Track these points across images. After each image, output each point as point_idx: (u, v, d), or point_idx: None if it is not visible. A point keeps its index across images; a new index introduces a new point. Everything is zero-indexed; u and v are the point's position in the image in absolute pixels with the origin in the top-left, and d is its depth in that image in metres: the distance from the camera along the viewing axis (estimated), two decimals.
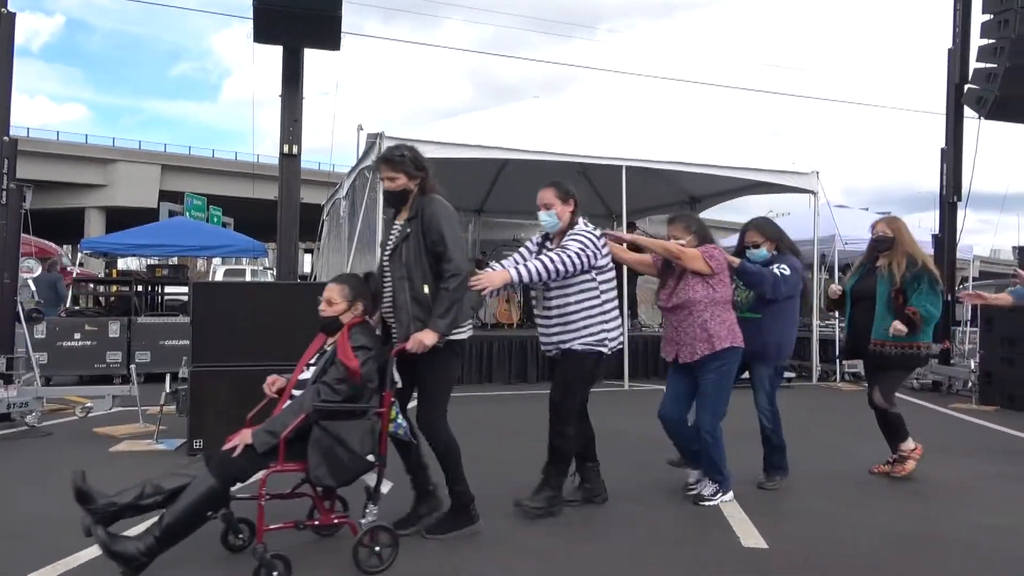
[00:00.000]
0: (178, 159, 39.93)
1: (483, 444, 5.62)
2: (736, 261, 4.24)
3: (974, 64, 9.24)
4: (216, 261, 22.45)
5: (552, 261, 3.67)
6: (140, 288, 11.97)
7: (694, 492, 4.15)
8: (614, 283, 3.92)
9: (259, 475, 2.99)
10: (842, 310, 5.06)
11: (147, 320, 9.55)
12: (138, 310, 10.41)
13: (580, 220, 3.95)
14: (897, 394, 4.91)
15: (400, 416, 3.32)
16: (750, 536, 3.55)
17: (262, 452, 2.97)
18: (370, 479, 3.17)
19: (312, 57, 7.81)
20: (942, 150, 9.88)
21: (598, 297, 3.81)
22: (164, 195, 28.53)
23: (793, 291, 4.33)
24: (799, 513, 4.04)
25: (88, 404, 6.67)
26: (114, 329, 9.11)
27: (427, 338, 3.23)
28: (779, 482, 4.45)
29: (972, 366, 8.50)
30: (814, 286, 11.05)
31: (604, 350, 3.83)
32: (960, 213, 9.76)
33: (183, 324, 8.80)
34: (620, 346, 3.96)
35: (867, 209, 21.50)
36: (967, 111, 9.48)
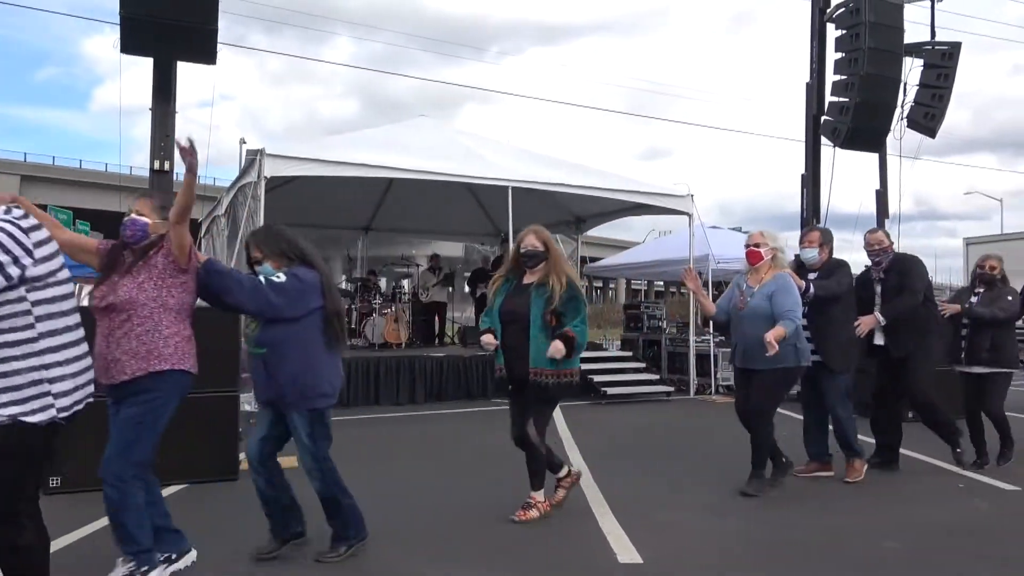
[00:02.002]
0: (40, 169, 37.18)
1: (367, 469, 5.53)
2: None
3: (829, 98, 10.02)
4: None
5: None
6: None
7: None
8: (72, 303, 2.52)
9: None
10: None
11: None
12: None
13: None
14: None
15: None
16: (626, 552, 3.66)
17: None
18: None
19: (191, 66, 7.48)
20: (802, 176, 10.63)
21: (29, 328, 2.37)
22: None
23: (294, 307, 3.29)
24: (673, 526, 4.19)
25: None
26: None
27: None
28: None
29: None
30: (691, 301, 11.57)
31: (31, 418, 2.35)
32: None
33: None
34: (79, 407, 2.52)
35: (739, 228, 22.74)
36: (824, 140, 10.26)
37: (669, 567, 3.51)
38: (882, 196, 10.90)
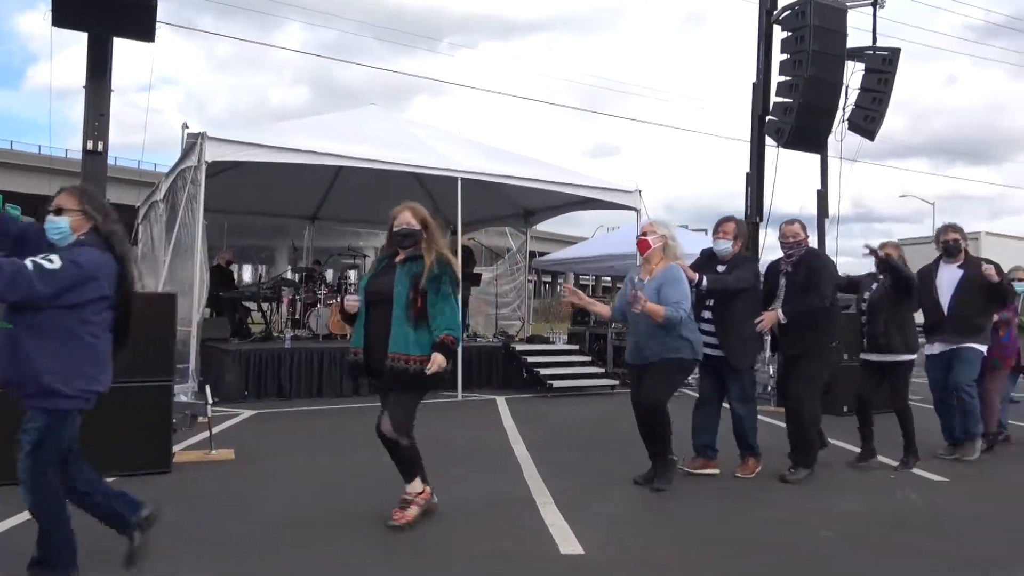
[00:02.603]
0: None
1: (310, 461, 5.42)
2: None
3: (774, 98, 10.20)
4: None
5: None
6: None
7: None
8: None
9: None
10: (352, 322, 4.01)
11: None
12: None
13: None
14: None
15: None
16: (568, 543, 3.65)
17: None
18: None
19: (133, 47, 7.17)
20: (747, 174, 10.80)
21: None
22: None
23: (64, 296, 2.75)
24: (615, 518, 4.20)
25: None
26: None
27: None
28: None
29: (771, 372, 9.33)
30: None
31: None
32: (762, 232, 10.72)
33: None
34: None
35: (686, 226, 23.08)
36: (768, 140, 10.44)
37: (610, 559, 3.52)
38: (823, 196, 11.13)
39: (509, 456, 5.70)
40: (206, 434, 5.65)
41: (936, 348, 5.92)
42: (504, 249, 14.66)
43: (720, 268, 5.12)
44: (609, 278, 39.51)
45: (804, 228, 5.34)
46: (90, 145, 6.81)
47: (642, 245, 4.83)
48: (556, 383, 9.52)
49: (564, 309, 23.38)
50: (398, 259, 3.88)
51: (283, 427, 6.87)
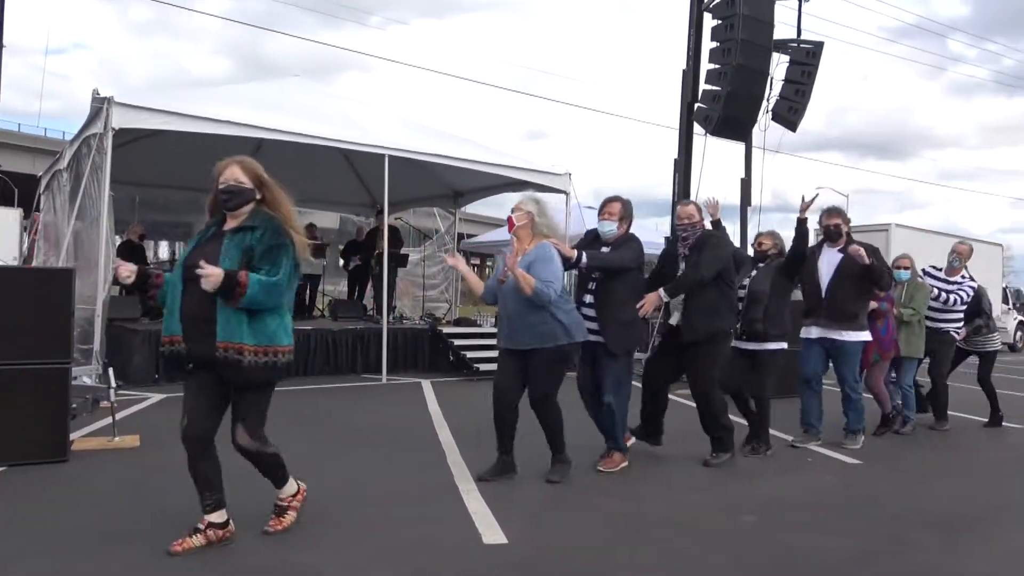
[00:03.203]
0: None
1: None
2: None
3: (703, 86, 10.31)
4: None
5: None
6: None
7: None
8: None
9: None
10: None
11: None
12: None
13: None
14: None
15: None
16: (492, 532, 3.56)
17: None
18: None
19: (41, 7, 6.62)
20: (675, 160, 10.93)
21: None
22: None
23: None
24: (539, 504, 4.14)
25: None
26: None
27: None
28: None
29: None
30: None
31: None
32: None
33: None
34: None
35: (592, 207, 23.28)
36: (697, 127, 10.57)
37: (533, 547, 3.44)
38: (746, 185, 11.37)
39: (433, 442, 5.57)
40: (110, 419, 5.31)
41: (813, 332, 5.80)
42: (432, 230, 14.43)
43: (604, 250, 4.84)
44: None
45: (700, 210, 5.20)
46: None
47: (508, 223, 4.55)
48: (483, 366, 9.42)
49: None
50: (227, 227, 3.19)
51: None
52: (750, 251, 6.13)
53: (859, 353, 5.79)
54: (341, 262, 13.27)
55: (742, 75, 9.64)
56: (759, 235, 5.81)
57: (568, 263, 4.56)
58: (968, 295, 6.73)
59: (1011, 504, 4.46)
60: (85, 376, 6.51)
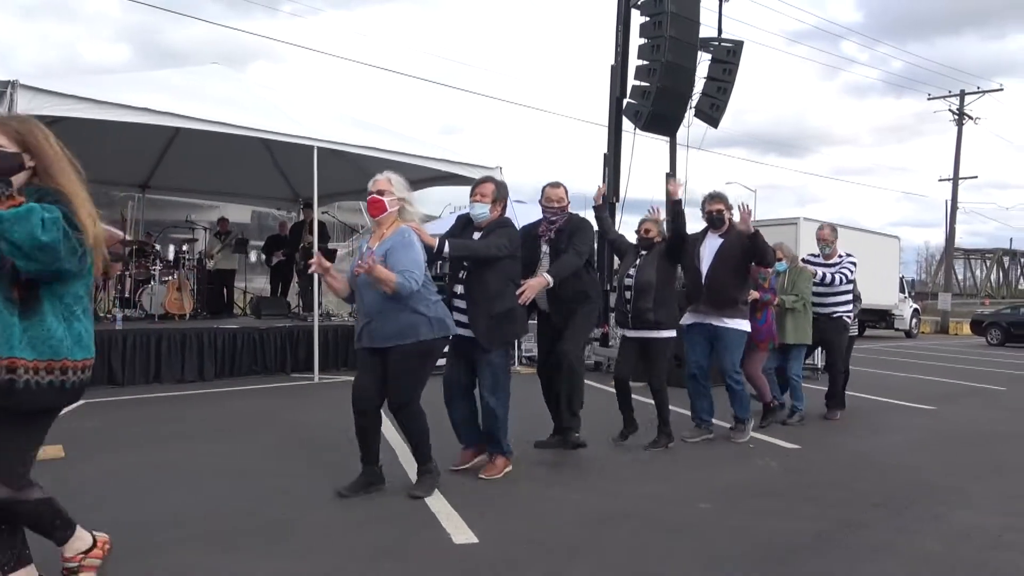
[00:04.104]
0: None
1: (148, 455, 4.86)
2: None
3: (632, 81, 10.46)
4: None
5: None
6: None
7: None
8: None
9: None
10: None
11: None
12: None
13: None
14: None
15: None
16: (460, 532, 3.48)
17: None
18: None
19: None
20: (604, 155, 11.05)
21: None
22: None
23: None
24: (502, 501, 4.09)
25: None
26: None
27: None
28: None
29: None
30: None
31: None
32: (619, 213, 11.02)
33: None
34: None
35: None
36: (626, 123, 10.72)
37: (504, 545, 3.38)
38: (670, 180, 11.64)
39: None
40: None
41: (691, 318, 5.72)
42: (359, 225, 14.11)
43: (477, 236, 4.49)
44: None
45: (567, 193, 4.99)
46: None
47: (374, 206, 3.97)
48: None
49: None
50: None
51: (118, 417, 6.15)
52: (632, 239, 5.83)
53: (740, 342, 5.64)
54: (262, 257, 12.80)
55: (672, 72, 9.84)
56: (643, 221, 5.60)
57: (431, 253, 4.13)
58: (851, 271, 6.70)
59: (943, 484, 4.70)
60: None
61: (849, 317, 6.90)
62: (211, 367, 8.64)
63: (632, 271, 5.45)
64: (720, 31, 11.77)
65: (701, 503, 4.11)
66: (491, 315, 4.36)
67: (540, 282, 4.59)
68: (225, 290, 12.49)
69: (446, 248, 4.19)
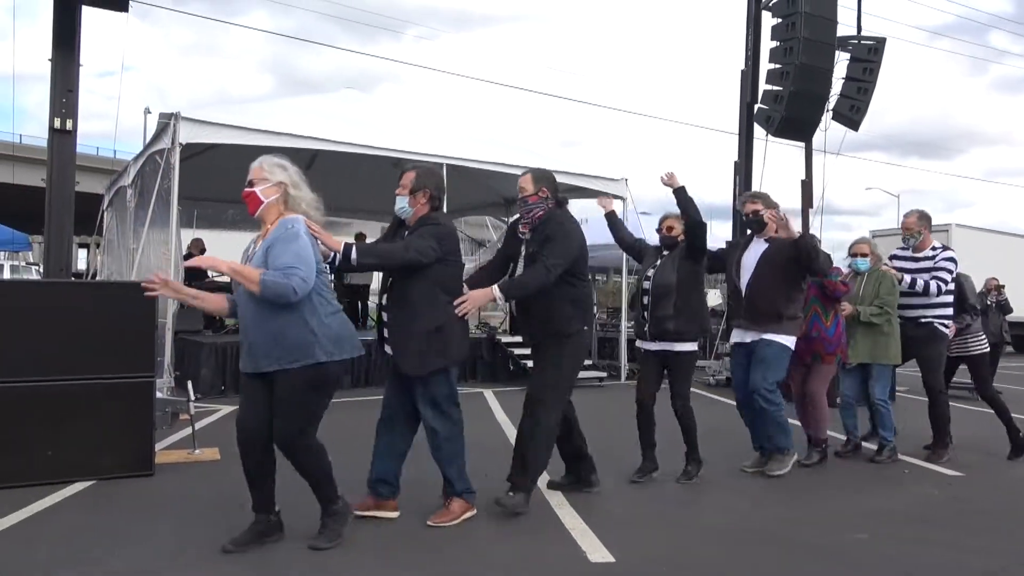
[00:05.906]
0: None
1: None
2: None
3: (764, 86, 10.08)
4: None
5: None
6: None
7: None
8: None
9: None
10: None
11: None
12: None
13: None
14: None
15: None
16: (595, 550, 3.41)
17: None
18: None
19: (92, 27, 6.75)
20: (735, 163, 10.70)
21: None
22: None
23: None
24: (636, 519, 3.98)
25: None
26: None
27: None
28: None
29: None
30: (623, 286, 11.52)
31: None
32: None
33: None
34: None
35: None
36: (757, 129, 10.33)
37: (642, 565, 3.29)
38: (807, 187, 11.07)
39: (508, 453, 5.40)
40: (186, 432, 5.30)
41: (736, 336, 4.99)
42: (485, 240, 14.37)
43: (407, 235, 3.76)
44: None
45: (548, 183, 4.07)
46: (57, 123, 6.37)
47: (248, 201, 3.28)
48: None
49: None
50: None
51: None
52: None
53: (780, 359, 4.74)
54: None
55: (806, 74, 9.40)
56: (666, 217, 4.85)
57: (335, 261, 3.49)
58: (951, 272, 5.34)
59: None
60: (159, 390, 6.54)
61: (944, 325, 5.45)
62: (347, 377, 9.01)
63: (651, 272, 4.76)
64: (859, 28, 11.16)
65: (851, 530, 3.84)
66: (411, 333, 3.60)
67: (485, 295, 3.89)
68: (360, 304, 13.04)
69: (353, 255, 3.49)
